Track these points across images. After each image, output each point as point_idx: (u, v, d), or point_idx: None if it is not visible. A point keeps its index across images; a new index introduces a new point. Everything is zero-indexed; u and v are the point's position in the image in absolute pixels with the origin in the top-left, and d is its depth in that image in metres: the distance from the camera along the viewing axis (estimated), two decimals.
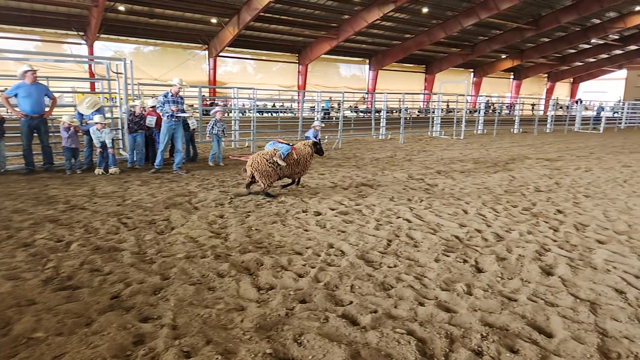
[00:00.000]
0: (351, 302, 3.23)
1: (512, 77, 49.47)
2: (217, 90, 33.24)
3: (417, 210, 5.93)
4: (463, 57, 38.60)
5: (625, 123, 26.92)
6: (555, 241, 4.76)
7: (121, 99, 9.28)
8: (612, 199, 6.93)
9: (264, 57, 35.06)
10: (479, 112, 22.07)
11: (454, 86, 36.32)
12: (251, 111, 13.17)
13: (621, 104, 30.53)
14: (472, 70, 45.35)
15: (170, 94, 8.10)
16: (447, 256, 4.23)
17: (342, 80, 37.65)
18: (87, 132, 8.22)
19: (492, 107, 36.57)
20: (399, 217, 5.54)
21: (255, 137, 12.55)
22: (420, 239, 4.71)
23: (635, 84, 45.19)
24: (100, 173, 8.03)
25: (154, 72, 29.38)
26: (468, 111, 33.10)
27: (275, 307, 3.10)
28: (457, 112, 19.24)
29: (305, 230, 4.90)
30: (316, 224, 5.15)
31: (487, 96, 36.81)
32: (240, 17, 26.37)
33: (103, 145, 8.00)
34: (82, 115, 8.39)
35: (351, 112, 26.62)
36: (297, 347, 2.63)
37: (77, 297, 3.21)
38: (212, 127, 9.44)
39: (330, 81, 36.82)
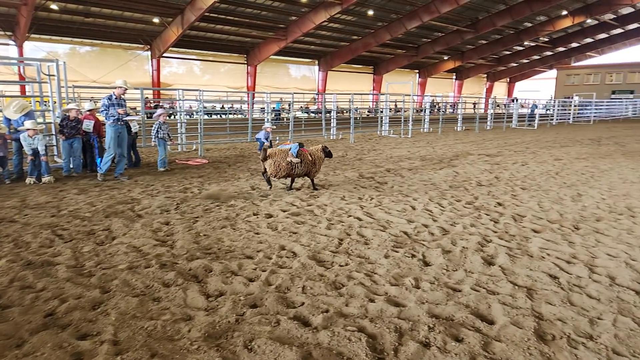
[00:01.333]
0: (303, 304, 3.22)
1: (454, 77, 51.84)
2: (162, 92, 32.08)
3: (367, 208, 6.03)
4: (408, 58, 39.95)
5: (557, 119, 28.99)
6: (495, 232, 5.01)
7: (54, 102, 8.69)
8: (545, 190, 7.40)
9: (210, 58, 34.33)
10: (425, 112, 22.87)
11: (400, 86, 37.42)
12: (199, 113, 12.80)
13: (552, 101, 32.84)
14: (417, 71, 47.03)
15: (114, 97, 7.69)
16: (396, 252, 4.32)
17: (292, 81, 37.72)
18: (18, 140, 7.60)
19: (437, 106, 38.11)
20: (350, 216, 5.60)
21: (203, 140, 12.20)
22: (371, 237, 4.78)
23: (564, 82, 48.84)
24: (32, 182, 7.47)
25: (91, 74, 27.91)
26: (415, 110, 34.30)
27: (224, 314, 3.02)
28: (405, 111, 19.81)
29: (256, 234, 4.82)
30: (267, 226, 5.09)
31: (432, 96, 38.26)
32: (184, 17, 25.64)
33: (35, 152, 7.44)
34: (10, 120, 7.77)
35: (302, 112, 26.68)
36: (248, 353, 2.57)
37: (6, 317, 2.95)
38: (157, 130, 9.08)
39: (280, 82, 36.76)
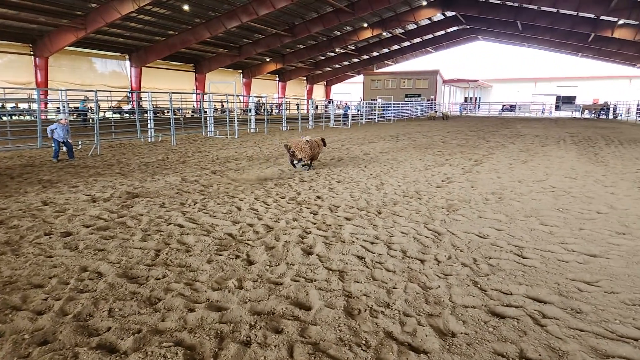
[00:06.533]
0: (110, 328, 2.84)
1: (277, 79, 54.03)
2: None
3: (190, 213, 5.73)
4: (231, 58, 39.82)
5: (365, 119, 33.09)
6: (314, 224, 5.37)
7: None
8: (356, 182, 8.29)
9: None
10: (251, 112, 23.18)
11: (225, 86, 37.12)
12: None
13: (361, 103, 37.30)
14: (241, 71, 47.35)
15: None
16: (220, 255, 4.22)
17: (99, 77, 33.12)
18: None
19: (262, 106, 39.11)
20: (170, 224, 5.23)
21: None
22: (193, 243, 4.56)
23: (370, 87, 56.08)
24: None
25: None
26: (242, 111, 34.50)
27: None
28: (230, 111, 19.66)
29: (49, 257, 4.05)
30: (65, 246, 4.33)
31: (256, 96, 39.15)
32: None
33: None
34: None
35: (113, 113, 23.82)
36: None
37: None
38: None
39: (83, 78, 31.88)
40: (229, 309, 3.15)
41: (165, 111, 25.78)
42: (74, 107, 20.42)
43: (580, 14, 29.55)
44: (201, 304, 3.22)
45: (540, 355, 2.64)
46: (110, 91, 23.93)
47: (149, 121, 16.22)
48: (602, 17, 29.24)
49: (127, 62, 34.81)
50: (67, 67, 31.06)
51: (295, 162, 9.62)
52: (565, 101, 57.32)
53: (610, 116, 44.07)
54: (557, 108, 56.81)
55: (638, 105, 37.22)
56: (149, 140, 15.75)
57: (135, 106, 21.63)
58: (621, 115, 44.19)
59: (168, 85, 36.20)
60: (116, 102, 29.92)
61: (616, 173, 9.19)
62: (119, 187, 7.34)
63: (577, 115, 48.90)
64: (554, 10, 30.28)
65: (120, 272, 3.73)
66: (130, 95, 30.46)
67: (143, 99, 30.47)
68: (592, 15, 29.44)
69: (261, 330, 2.85)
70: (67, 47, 28.68)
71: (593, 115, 44.65)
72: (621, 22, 29.10)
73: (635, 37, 30.08)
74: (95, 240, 4.53)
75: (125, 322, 2.91)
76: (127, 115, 25.71)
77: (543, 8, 30.16)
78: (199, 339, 2.73)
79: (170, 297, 3.29)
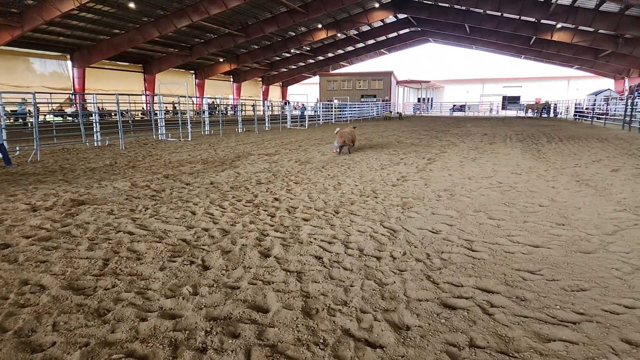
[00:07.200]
0: (54, 343, 2.69)
1: (232, 80, 53.20)
2: None
3: (141, 220, 5.52)
4: (183, 58, 38.75)
5: (322, 119, 33.28)
6: (272, 226, 5.33)
7: None
8: (314, 182, 8.31)
9: None
10: (204, 113, 22.66)
11: (177, 87, 36.11)
12: None
13: (318, 104, 37.49)
14: (193, 72, 46.21)
15: None
16: (174, 262, 4.10)
17: (38, 78, 31.09)
18: None
19: (217, 108, 38.30)
20: (119, 231, 5.00)
21: None
22: (145, 250, 4.39)
23: (326, 87, 56.51)
24: None
25: None
26: (195, 113, 33.65)
27: None
28: (183, 113, 19.12)
29: None
30: (3, 259, 4.04)
31: (210, 97, 38.32)
32: None
33: None
34: None
35: (54, 116, 22.46)
36: None
37: None
38: None
39: (21, 79, 29.83)
40: (184, 316, 3.07)
41: (113, 114, 24.59)
42: (11, 111, 19.08)
43: (523, 17, 31.29)
44: (154, 312, 3.12)
45: (488, 342, 2.77)
46: (51, 93, 22.63)
47: (94, 124, 15.42)
48: (543, 21, 31.14)
49: (69, 63, 32.89)
50: (3, 68, 28.97)
51: (342, 146, 12.79)
52: (510, 101, 60.58)
53: (551, 114, 47.03)
54: (503, 107, 59.92)
55: (575, 104, 39.99)
56: (95, 145, 15.00)
57: (79, 108, 20.53)
58: (561, 114, 47.28)
59: (115, 87, 34.68)
60: (58, 105, 28.19)
61: (556, 168, 9.82)
62: (63, 195, 6.94)
63: (522, 114, 51.77)
64: (499, 14, 31.90)
65: (65, 284, 3.53)
66: (73, 97, 28.88)
67: (88, 100, 28.99)
68: (533, 19, 31.28)
69: (217, 336, 2.80)
70: (2, 47, 26.77)
71: (536, 113, 47.45)
72: (559, 25, 31.10)
73: (572, 39, 32.28)
74: (37, 252, 4.26)
75: (71, 336, 2.76)
76: (70, 118, 24.30)
77: (488, 12, 31.69)
78: (152, 349, 2.64)
79: (121, 308, 3.16)
